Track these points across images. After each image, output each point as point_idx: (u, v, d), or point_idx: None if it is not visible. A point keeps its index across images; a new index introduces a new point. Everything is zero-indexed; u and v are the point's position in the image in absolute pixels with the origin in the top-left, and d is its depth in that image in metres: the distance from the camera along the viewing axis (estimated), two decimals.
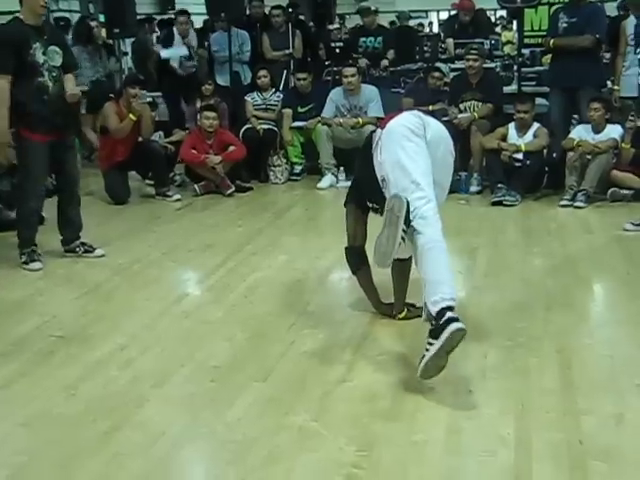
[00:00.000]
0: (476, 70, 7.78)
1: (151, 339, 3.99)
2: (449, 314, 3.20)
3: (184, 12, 9.80)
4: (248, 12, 9.84)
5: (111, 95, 7.73)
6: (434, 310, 3.24)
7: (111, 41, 10.19)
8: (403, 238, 3.34)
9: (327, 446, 2.87)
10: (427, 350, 3.19)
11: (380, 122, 3.98)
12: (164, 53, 9.18)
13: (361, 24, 10.19)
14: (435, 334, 3.19)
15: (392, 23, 13.84)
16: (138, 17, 10.79)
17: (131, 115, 7.19)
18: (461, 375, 3.43)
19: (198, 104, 8.38)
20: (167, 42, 9.41)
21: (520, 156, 7.18)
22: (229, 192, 7.58)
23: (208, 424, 3.09)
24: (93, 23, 9.57)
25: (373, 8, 10.11)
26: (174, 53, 9.20)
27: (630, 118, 7.00)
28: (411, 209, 3.36)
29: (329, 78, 9.47)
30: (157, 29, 11.56)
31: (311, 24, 11.01)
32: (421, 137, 3.62)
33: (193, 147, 7.68)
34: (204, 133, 7.72)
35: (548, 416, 3.05)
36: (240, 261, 5.36)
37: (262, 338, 3.96)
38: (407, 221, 3.35)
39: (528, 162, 7.08)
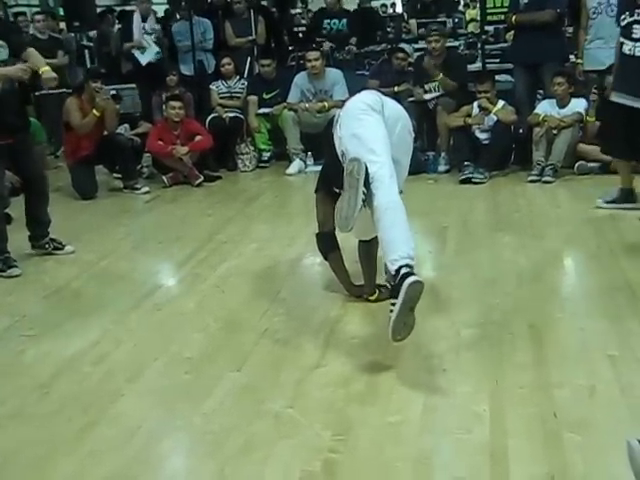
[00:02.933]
0: (439, 51, 7.76)
1: (123, 333, 3.97)
2: (404, 270, 3.20)
3: None
4: (209, 0, 9.77)
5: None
6: (392, 269, 3.25)
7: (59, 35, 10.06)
8: (364, 201, 3.35)
9: (304, 432, 2.87)
10: (391, 312, 3.18)
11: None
12: (143, 59, 9.02)
13: (324, 6, 10.12)
14: (395, 293, 3.19)
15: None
16: (98, 9, 10.70)
17: (94, 111, 7.12)
18: (435, 354, 3.45)
19: (163, 95, 8.32)
20: (126, 34, 9.28)
21: (486, 135, 7.20)
22: (197, 182, 7.54)
23: (184, 416, 3.08)
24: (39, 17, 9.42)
25: None
26: (150, 54, 9.04)
27: (594, 91, 7.04)
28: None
29: (293, 63, 9.42)
30: (118, 21, 11.41)
31: (273, 9, 10.96)
32: (378, 112, 3.66)
33: (160, 138, 7.63)
34: (170, 124, 7.68)
35: (522, 391, 3.07)
36: (211, 251, 5.34)
37: (235, 327, 3.95)
38: (367, 184, 3.36)
39: (491, 137, 7.10)
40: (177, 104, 7.68)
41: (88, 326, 4.07)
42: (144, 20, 9.05)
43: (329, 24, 9.51)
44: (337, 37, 9.39)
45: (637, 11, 5.22)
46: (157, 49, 9.02)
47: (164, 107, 7.90)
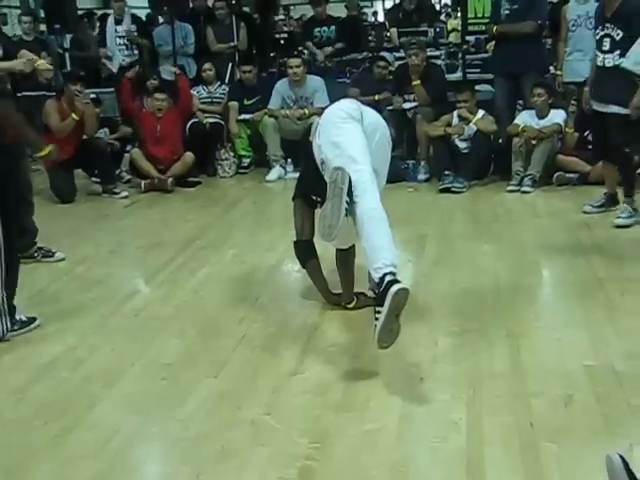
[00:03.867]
0: (419, 64, 7.76)
1: (101, 339, 3.95)
2: (388, 278, 3.20)
3: None
4: (192, 5, 9.76)
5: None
6: (377, 277, 3.26)
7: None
8: (347, 210, 3.35)
9: (280, 439, 2.87)
10: (376, 319, 3.18)
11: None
12: (113, 67, 9.01)
13: (312, 14, 10.14)
14: (380, 301, 3.19)
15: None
16: (79, 12, 10.65)
17: (73, 114, 7.09)
18: (412, 362, 3.46)
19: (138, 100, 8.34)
20: (103, 39, 9.26)
21: (465, 144, 7.23)
22: (169, 182, 7.52)
23: (161, 422, 3.07)
24: (26, 18, 9.38)
25: None
26: (117, 60, 9.01)
27: (572, 102, 7.09)
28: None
29: (274, 70, 9.43)
30: (98, 24, 11.37)
31: (255, 16, 10.95)
32: (357, 121, 3.67)
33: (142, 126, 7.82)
34: (154, 118, 7.72)
35: (499, 400, 3.08)
36: (189, 256, 5.33)
37: (213, 333, 3.94)
38: (350, 194, 3.37)
39: (470, 147, 7.14)
40: (162, 96, 7.74)
41: (65, 331, 4.05)
42: (118, 23, 9.04)
43: (319, 32, 9.56)
44: (327, 44, 9.42)
45: (606, 25, 5.42)
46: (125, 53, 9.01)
47: (147, 105, 7.92)
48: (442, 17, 14.12)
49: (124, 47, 9.07)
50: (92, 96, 7.80)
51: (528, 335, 3.72)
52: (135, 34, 9.26)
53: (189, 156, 7.76)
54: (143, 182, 7.58)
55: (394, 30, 9.84)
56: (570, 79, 7.35)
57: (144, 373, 3.52)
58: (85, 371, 3.57)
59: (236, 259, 5.24)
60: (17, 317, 4.01)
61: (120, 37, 9.05)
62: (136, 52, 9.17)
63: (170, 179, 7.54)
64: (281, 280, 4.93)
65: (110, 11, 9.79)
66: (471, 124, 7.17)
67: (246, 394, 3.25)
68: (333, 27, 9.54)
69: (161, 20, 9.77)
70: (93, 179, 7.76)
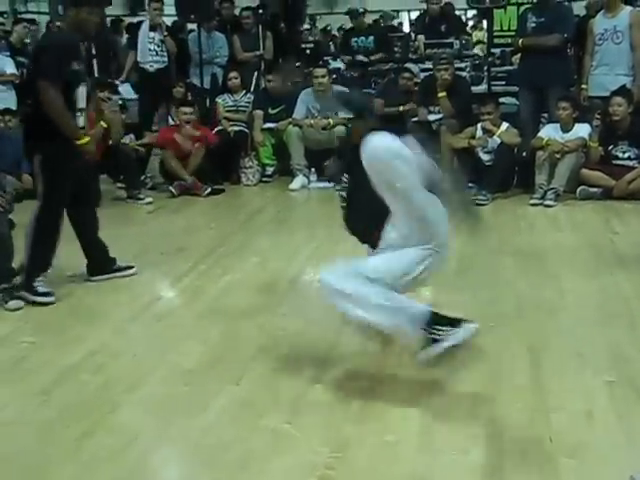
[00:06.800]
0: (448, 78, 7.78)
1: (122, 344, 3.99)
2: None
3: None
4: (219, 14, 9.83)
5: None
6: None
7: None
8: None
9: (300, 448, 2.88)
10: (435, 341, 3.16)
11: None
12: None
13: (351, 25, 10.35)
14: (447, 325, 3.20)
15: (375, 22, 13.83)
16: (108, 18, 10.74)
17: (102, 122, 7.13)
18: (432, 374, 3.44)
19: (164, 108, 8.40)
20: (133, 45, 9.32)
21: (489, 157, 7.23)
22: (206, 192, 7.58)
23: (181, 428, 3.09)
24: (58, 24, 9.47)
25: (361, 10, 10.37)
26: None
27: (597, 117, 7.08)
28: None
29: (299, 79, 9.48)
30: (126, 32, 11.46)
31: (282, 25, 11.02)
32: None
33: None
34: (180, 130, 7.76)
35: (519, 414, 3.08)
36: (212, 264, 5.35)
37: (235, 341, 3.96)
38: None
39: (494, 157, 7.13)
40: (188, 109, 7.77)
41: (88, 335, 4.08)
42: (152, 29, 9.09)
43: (356, 42, 9.67)
44: (365, 54, 9.57)
45: None
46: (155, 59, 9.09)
47: (173, 114, 7.96)
48: (467, 28, 14.12)
49: (154, 53, 9.11)
50: (119, 102, 7.88)
51: (549, 349, 3.71)
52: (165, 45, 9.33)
53: (198, 149, 7.78)
54: (172, 187, 7.63)
55: (421, 38, 9.87)
56: (595, 93, 7.35)
57: (165, 379, 3.55)
58: (107, 375, 3.60)
59: (259, 267, 5.27)
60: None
61: (151, 42, 9.10)
62: (165, 59, 9.20)
63: (207, 188, 7.60)
64: (303, 289, 4.95)
65: (138, 19, 9.85)
66: (495, 137, 7.17)
67: (267, 402, 3.27)
68: (371, 37, 9.67)
69: (191, 26, 9.82)
70: (118, 185, 7.81)
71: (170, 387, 3.45)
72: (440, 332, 3.19)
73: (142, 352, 3.87)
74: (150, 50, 9.11)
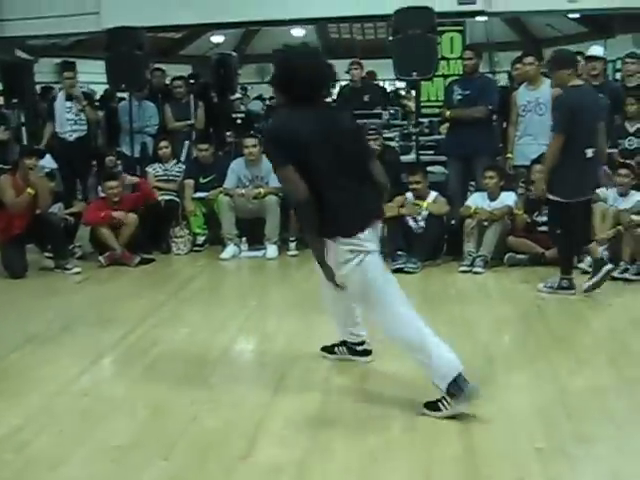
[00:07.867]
0: (377, 149, 7.84)
1: (48, 419, 3.86)
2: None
3: (70, 65, 9.60)
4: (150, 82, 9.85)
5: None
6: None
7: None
8: None
9: None
10: (443, 404, 3.71)
11: None
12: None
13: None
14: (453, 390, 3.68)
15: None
16: (38, 86, 10.69)
17: (29, 189, 7.05)
18: (367, 444, 3.43)
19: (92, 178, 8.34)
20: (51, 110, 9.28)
21: (418, 225, 7.32)
22: (136, 262, 7.51)
23: None
24: None
25: None
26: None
27: (521, 185, 7.26)
28: None
29: (229, 149, 9.52)
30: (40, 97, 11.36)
31: (213, 94, 11.07)
32: None
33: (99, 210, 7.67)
34: (109, 202, 7.69)
35: None
36: (141, 335, 5.26)
37: (164, 414, 3.88)
38: None
39: (425, 228, 7.23)
40: (114, 184, 7.69)
41: (10, 411, 3.94)
42: (69, 99, 9.06)
43: None
44: None
45: None
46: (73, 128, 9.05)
47: (99, 188, 7.90)
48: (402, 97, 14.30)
49: (73, 122, 9.07)
50: (46, 170, 7.80)
51: (480, 418, 3.71)
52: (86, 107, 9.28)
53: (131, 217, 7.72)
54: (102, 257, 7.54)
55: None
56: (520, 162, 7.56)
57: (92, 455, 3.44)
58: (30, 453, 3.47)
59: (189, 338, 5.20)
60: None
61: (69, 112, 9.06)
62: (84, 127, 9.16)
63: (137, 258, 7.54)
64: (233, 360, 4.89)
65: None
66: (423, 208, 7.28)
67: (197, 477, 3.20)
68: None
69: (122, 95, 9.82)
70: (46, 254, 7.68)
71: (97, 464, 3.35)
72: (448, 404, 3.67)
73: (68, 428, 3.75)
74: (68, 120, 9.07)
